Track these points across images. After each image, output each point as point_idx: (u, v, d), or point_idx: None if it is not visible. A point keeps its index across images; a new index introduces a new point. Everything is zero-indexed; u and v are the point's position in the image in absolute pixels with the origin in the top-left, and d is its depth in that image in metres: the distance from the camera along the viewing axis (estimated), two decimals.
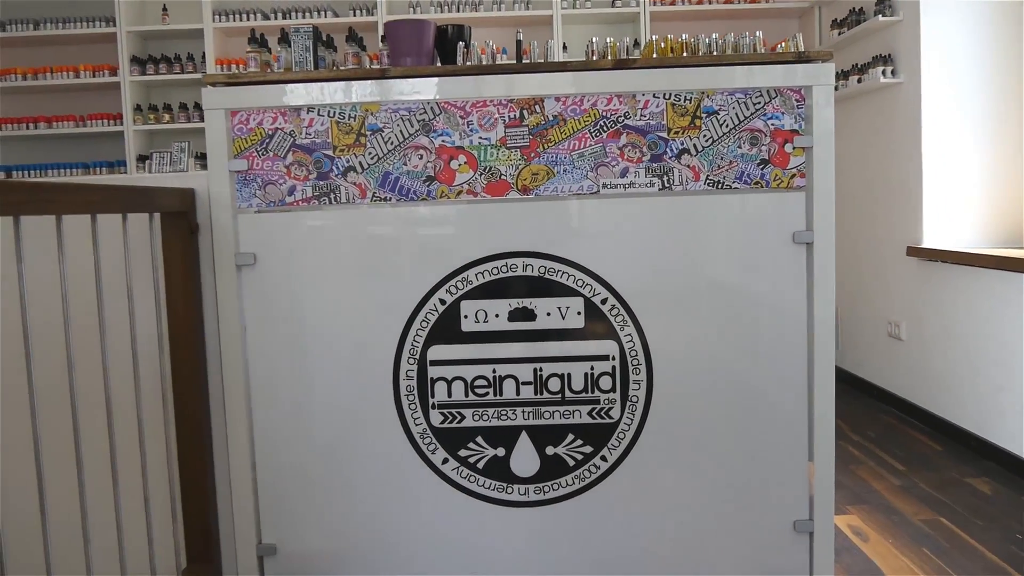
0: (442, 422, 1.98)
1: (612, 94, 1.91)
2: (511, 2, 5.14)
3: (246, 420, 1.97)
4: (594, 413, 1.97)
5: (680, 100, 1.91)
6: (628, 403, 1.97)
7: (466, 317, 1.95)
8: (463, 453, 1.99)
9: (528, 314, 1.95)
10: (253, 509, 2.00)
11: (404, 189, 1.94)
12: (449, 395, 1.97)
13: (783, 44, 2.09)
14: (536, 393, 1.97)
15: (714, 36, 2.07)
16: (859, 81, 4.30)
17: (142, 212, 1.76)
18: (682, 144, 1.92)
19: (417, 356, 1.96)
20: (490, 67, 1.95)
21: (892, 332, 4.22)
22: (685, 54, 2.10)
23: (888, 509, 2.94)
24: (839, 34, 4.55)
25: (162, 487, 1.88)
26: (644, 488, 1.98)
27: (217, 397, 1.99)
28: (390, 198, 1.94)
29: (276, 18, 5.08)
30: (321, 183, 1.94)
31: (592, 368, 1.96)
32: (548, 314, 1.95)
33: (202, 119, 2.11)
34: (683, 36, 2.13)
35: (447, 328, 1.96)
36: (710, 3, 5.04)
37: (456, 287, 1.95)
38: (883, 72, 4.07)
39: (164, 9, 5.21)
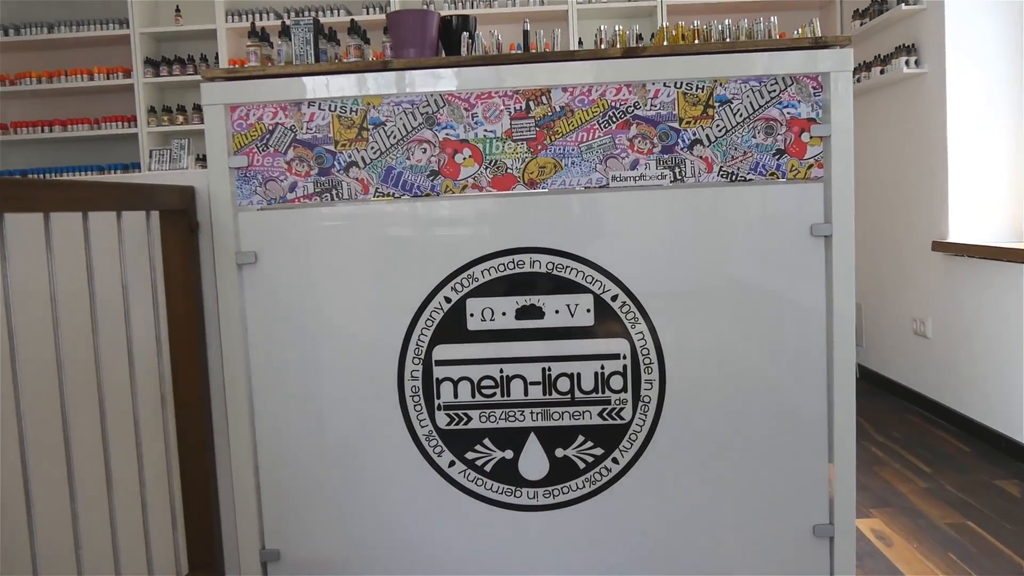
0: (448, 424, 1.93)
1: (621, 83, 1.85)
2: None
3: (248, 423, 1.93)
4: (605, 414, 1.91)
5: (692, 89, 1.84)
6: (640, 403, 1.90)
7: (472, 315, 1.90)
8: (470, 456, 1.93)
9: (536, 312, 1.90)
10: (256, 514, 1.95)
11: (408, 184, 1.89)
12: (455, 396, 1.92)
13: (800, 30, 2.01)
14: (545, 393, 1.91)
15: (727, 22, 2.00)
16: (882, 72, 4.20)
17: (138, 210, 1.72)
18: (694, 134, 1.85)
19: (422, 356, 1.91)
20: (495, 57, 1.89)
21: (917, 329, 4.11)
22: (697, 41, 2.03)
23: (913, 512, 2.85)
24: (861, 24, 4.45)
25: (162, 492, 1.84)
26: (657, 492, 1.92)
27: (219, 400, 1.95)
28: (393, 193, 1.89)
29: (289, 17, 5.06)
30: (323, 179, 1.90)
31: (602, 367, 1.90)
32: (557, 312, 1.89)
33: None
34: (695, 23, 2.06)
35: (453, 327, 1.90)
36: None
37: (462, 284, 1.89)
38: (906, 62, 3.97)
39: (177, 10, 5.20)
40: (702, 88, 1.84)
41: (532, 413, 1.92)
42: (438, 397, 1.92)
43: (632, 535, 1.93)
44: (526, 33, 2.19)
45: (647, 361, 1.89)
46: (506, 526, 1.94)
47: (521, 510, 1.94)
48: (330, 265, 1.91)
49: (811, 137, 1.84)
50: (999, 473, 3.20)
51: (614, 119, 1.86)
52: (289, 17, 5.03)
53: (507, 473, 1.93)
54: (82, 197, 1.47)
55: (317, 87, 1.88)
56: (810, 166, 1.85)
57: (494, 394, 1.92)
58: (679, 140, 1.85)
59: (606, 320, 1.89)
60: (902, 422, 3.94)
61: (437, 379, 1.92)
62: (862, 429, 3.81)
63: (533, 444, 1.93)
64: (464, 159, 1.88)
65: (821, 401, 1.89)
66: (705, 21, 2.09)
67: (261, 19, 5.10)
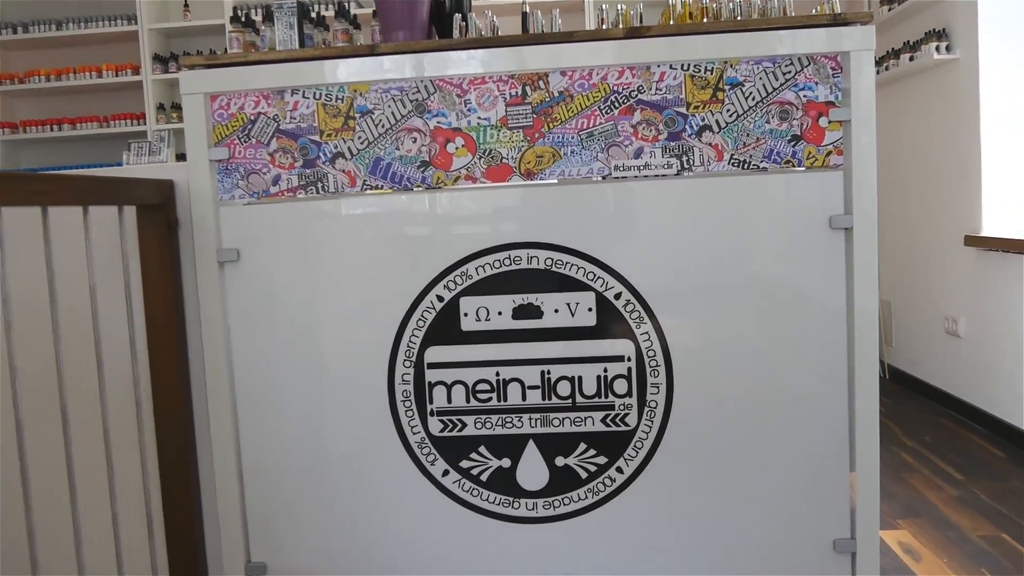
0: (442, 430, 1.82)
1: (624, 66, 1.73)
2: None
3: (232, 430, 1.84)
4: (608, 420, 1.79)
5: (700, 71, 1.72)
6: (646, 409, 1.78)
7: (466, 315, 1.79)
8: (465, 464, 1.82)
9: (534, 311, 1.78)
10: (241, 526, 1.86)
11: (397, 176, 1.78)
12: (449, 401, 1.81)
13: (818, 8, 1.87)
14: (544, 398, 1.80)
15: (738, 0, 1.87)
16: (911, 59, 4.03)
17: (107, 205, 1.62)
18: (703, 120, 1.72)
19: (413, 358, 1.80)
20: (489, 40, 1.78)
21: (949, 328, 3.95)
22: (706, 20, 1.90)
23: (943, 523, 2.70)
24: (889, 9, 4.28)
25: (138, 502, 1.75)
26: (664, 503, 1.80)
27: (200, 406, 1.85)
28: (382, 186, 1.78)
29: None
30: (308, 171, 1.79)
31: (605, 370, 1.78)
32: (556, 311, 1.78)
33: None
34: (703, 0, 1.93)
35: (446, 327, 1.79)
36: None
37: (455, 282, 1.78)
38: (937, 48, 3.80)
39: (186, 5, 5.16)
40: (711, 70, 1.71)
41: (531, 419, 1.80)
42: (431, 402, 1.81)
43: (638, 550, 1.81)
44: (524, 15, 2.07)
45: (653, 364, 1.77)
46: (503, 539, 1.83)
47: (519, 522, 1.83)
48: (316, 262, 1.81)
49: (829, 122, 1.71)
50: None
51: (616, 104, 1.73)
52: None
53: (504, 483, 1.82)
54: (39, 191, 1.38)
55: (300, 74, 1.77)
56: (828, 153, 1.71)
57: (490, 399, 1.80)
58: (687, 126, 1.73)
59: (609, 320, 1.77)
60: (933, 425, 3.79)
61: (429, 383, 1.81)
62: (890, 433, 3.67)
63: (532, 452, 1.81)
64: (456, 149, 1.77)
65: (842, 406, 1.76)
66: None
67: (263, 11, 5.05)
